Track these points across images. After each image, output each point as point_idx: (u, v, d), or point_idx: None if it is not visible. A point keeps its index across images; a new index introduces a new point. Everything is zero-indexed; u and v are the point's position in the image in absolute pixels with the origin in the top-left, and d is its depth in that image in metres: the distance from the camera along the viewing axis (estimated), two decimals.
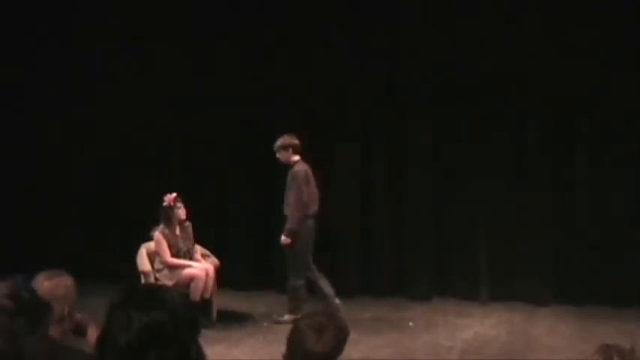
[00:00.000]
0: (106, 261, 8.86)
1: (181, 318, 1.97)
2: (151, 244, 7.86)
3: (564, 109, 8.56)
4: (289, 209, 7.74)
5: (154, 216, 7.81)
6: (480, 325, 7.90)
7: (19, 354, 2.46)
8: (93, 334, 3.16)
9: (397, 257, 9.01)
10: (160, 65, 9.19)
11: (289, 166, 7.83)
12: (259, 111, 9.02)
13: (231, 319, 7.82)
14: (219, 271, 7.97)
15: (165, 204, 7.76)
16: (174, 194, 7.78)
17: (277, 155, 7.84)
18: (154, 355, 1.91)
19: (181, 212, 7.82)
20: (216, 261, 8.09)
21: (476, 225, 8.75)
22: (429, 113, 8.88)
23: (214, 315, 7.86)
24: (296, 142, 7.81)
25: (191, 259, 7.90)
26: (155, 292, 2.08)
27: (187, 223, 7.94)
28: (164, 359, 1.92)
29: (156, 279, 7.72)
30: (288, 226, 7.72)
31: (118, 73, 9.22)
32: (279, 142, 7.82)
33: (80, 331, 3.17)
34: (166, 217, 7.78)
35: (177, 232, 7.86)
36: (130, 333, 1.91)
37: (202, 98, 9.15)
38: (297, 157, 7.84)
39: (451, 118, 8.82)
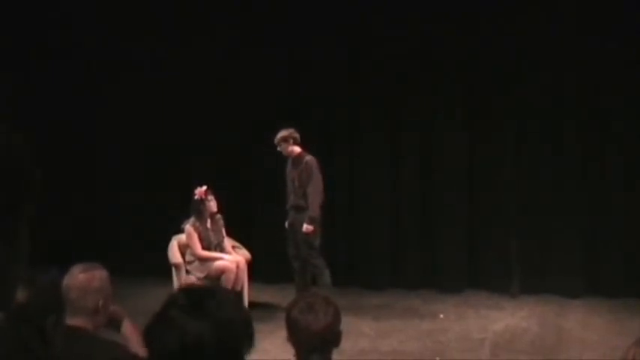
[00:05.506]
0: (135, 253, 8.96)
1: (227, 331, 1.91)
2: (182, 237, 7.91)
3: (595, 108, 8.47)
4: (310, 198, 7.75)
5: (183, 209, 7.87)
6: (511, 318, 7.87)
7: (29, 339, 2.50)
8: (127, 326, 3.19)
9: (428, 249, 8.99)
10: (181, 56, 9.23)
11: (293, 158, 7.87)
12: (289, 104, 9.05)
13: (262, 312, 7.85)
14: (250, 264, 8.01)
15: (196, 197, 7.80)
16: (204, 187, 7.82)
17: (278, 148, 7.88)
18: None
19: (212, 205, 7.86)
20: (247, 253, 8.13)
21: (507, 217, 8.70)
22: (462, 106, 8.83)
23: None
24: (296, 134, 7.85)
25: (222, 251, 7.94)
26: (205, 299, 1.96)
27: (218, 216, 7.98)
28: None
29: (187, 271, 7.78)
30: (311, 214, 7.74)
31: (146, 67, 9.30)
32: (280, 134, 7.84)
33: (114, 323, 3.20)
34: (197, 210, 7.83)
35: (209, 224, 7.90)
36: (174, 340, 1.86)
37: (227, 85, 9.18)
38: (298, 149, 7.88)
39: (484, 113, 8.76)
